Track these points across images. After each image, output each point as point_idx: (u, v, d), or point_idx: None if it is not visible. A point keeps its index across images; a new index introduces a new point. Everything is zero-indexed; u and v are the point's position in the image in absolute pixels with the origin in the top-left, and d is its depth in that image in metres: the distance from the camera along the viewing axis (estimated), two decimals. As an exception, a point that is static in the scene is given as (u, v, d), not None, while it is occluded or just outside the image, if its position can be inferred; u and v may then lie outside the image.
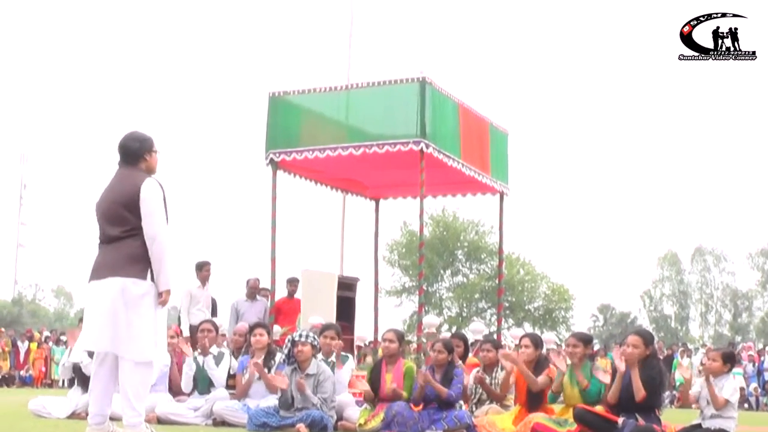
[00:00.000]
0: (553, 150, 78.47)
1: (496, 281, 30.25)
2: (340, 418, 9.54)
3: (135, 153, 7.16)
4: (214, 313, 14.72)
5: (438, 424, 9.21)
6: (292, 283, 15.26)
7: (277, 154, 12.50)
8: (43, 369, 29.16)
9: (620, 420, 8.45)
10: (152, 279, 6.94)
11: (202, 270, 14.52)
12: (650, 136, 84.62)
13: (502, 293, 15.54)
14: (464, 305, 53.27)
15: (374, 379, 9.86)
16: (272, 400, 9.49)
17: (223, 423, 9.84)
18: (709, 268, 68.21)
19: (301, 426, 8.66)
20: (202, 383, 10.49)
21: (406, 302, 51.76)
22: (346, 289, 14.10)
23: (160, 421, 9.65)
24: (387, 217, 20.46)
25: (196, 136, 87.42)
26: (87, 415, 8.00)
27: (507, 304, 48.87)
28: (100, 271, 6.95)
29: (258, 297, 15.02)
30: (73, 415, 10.28)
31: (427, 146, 11.69)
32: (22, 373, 29.01)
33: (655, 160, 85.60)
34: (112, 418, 7.22)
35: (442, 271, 53.72)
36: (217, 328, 11.21)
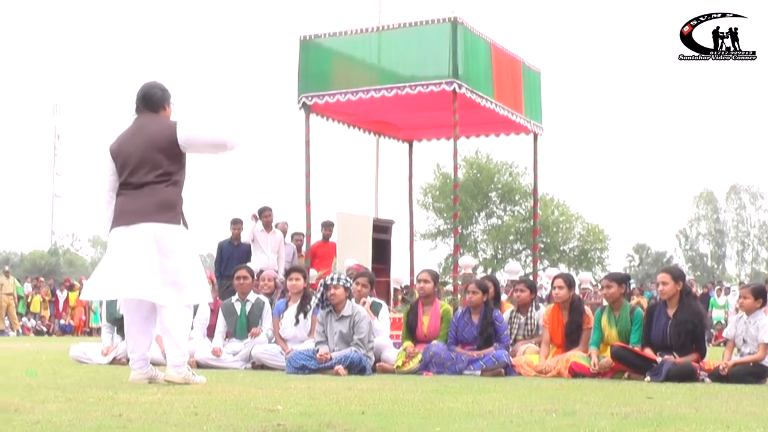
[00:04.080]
0: (587, 89, 77.98)
1: (531, 222, 30.27)
2: (378, 359, 9.56)
3: (158, 101, 7.09)
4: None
5: (476, 364, 9.20)
6: (327, 226, 15.26)
7: (310, 98, 12.44)
8: (83, 318, 29.47)
9: (658, 358, 8.45)
10: (185, 224, 6.92)
11: (262, 216, 14.51)
12: (688, 73, 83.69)
13: (537, 234, 15.49)
14: (499, 247, 53.21)
15: (411, 321, 9.87)
16: (310, 344, 9.51)
17: (263, 366, 9.90)
18: (745, 206, 67.83)
19: (339, 368, 8.65)
20: (241, 328, 10.53)
21: (441, 245, 51.81)
22: (382, 232, 14.08)
23: (200, 365, 9.70)
24: (421, 159, 20.42)
25: (228, 81, 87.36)
26: (128, 360, 8.09)
27: (542, 246, 48.79)
28: (129, 217, 6.81)
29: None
30: (114, 361, 10.38)
31: (460, 87, 11.60)
32: (62, 321, 29.32)
33: (690, 97, 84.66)
34: (153, 364, 7.26)
35: (476, 214, 53.59)
36: (253, 275, 11.22)
